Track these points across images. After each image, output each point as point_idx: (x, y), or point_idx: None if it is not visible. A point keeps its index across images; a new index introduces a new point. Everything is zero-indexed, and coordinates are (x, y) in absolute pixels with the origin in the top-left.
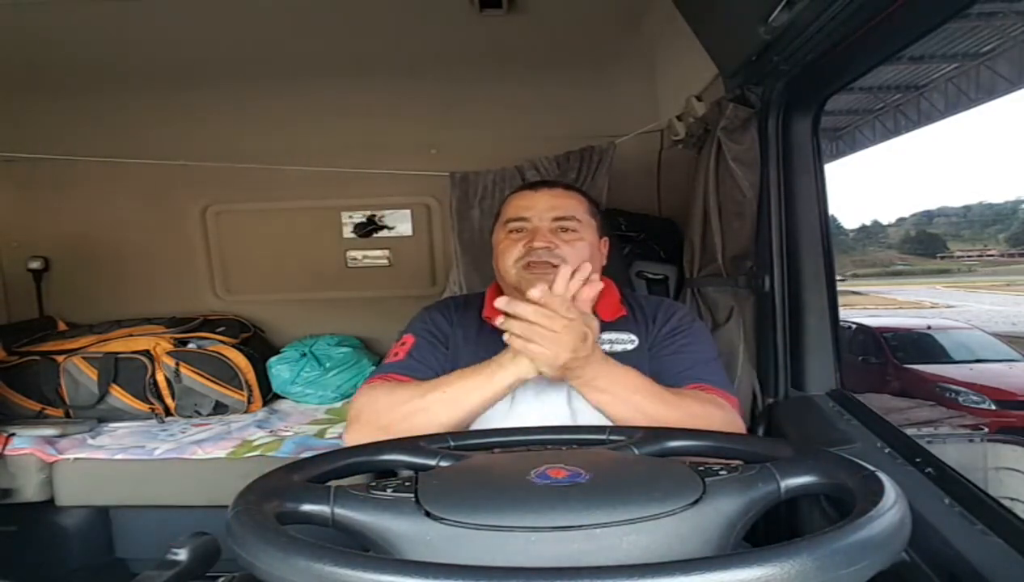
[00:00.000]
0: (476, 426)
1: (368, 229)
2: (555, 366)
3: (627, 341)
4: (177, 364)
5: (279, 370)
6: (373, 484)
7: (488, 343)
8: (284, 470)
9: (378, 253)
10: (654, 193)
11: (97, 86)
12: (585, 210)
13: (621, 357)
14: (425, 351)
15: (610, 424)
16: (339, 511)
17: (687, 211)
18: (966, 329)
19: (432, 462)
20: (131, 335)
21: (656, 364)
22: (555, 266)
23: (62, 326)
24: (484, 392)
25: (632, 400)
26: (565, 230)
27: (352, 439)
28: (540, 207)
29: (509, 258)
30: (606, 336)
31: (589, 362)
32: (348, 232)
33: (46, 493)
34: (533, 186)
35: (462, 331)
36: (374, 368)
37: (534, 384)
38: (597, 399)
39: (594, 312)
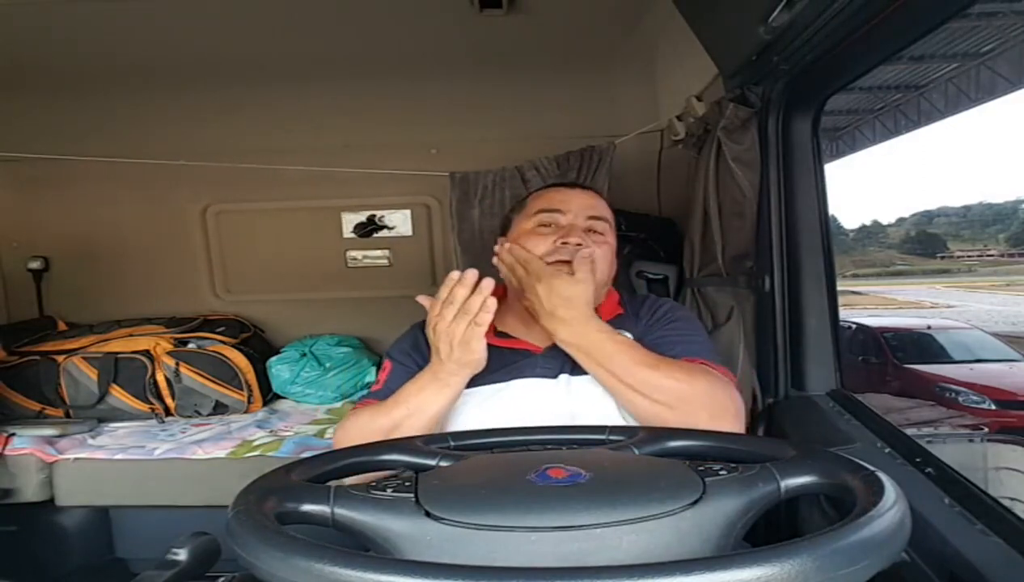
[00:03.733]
0: (476, 426)
1: (368, 229)
2: (545, 315)
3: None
4: (177, 364)
5: (279, 370)
6: (373, 484)
7: (488, 359)
8: (284, 470)
9: (378, 253)
10: (654, 193)
11: (97, 86)
12: (611, 216)
13: None
14: (400, 378)
15: (610, 424)
16: (339, 511)
17: (687, 211)
18: (966, 329)
19: (432, 462)
20: (131, 335)
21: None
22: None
23: (62, 326)
24: (442, 396)
25: (616, 368)
26: (596, 232)
27: None
28: (576, 204)
29: (536, 252)
30: None
31: (587, 329)
32: (348, 232)
33: (46, 493)
34: (565, 184)
35: None
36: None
37: (534, 384)
38: (596, 373)
39: (596, 312)
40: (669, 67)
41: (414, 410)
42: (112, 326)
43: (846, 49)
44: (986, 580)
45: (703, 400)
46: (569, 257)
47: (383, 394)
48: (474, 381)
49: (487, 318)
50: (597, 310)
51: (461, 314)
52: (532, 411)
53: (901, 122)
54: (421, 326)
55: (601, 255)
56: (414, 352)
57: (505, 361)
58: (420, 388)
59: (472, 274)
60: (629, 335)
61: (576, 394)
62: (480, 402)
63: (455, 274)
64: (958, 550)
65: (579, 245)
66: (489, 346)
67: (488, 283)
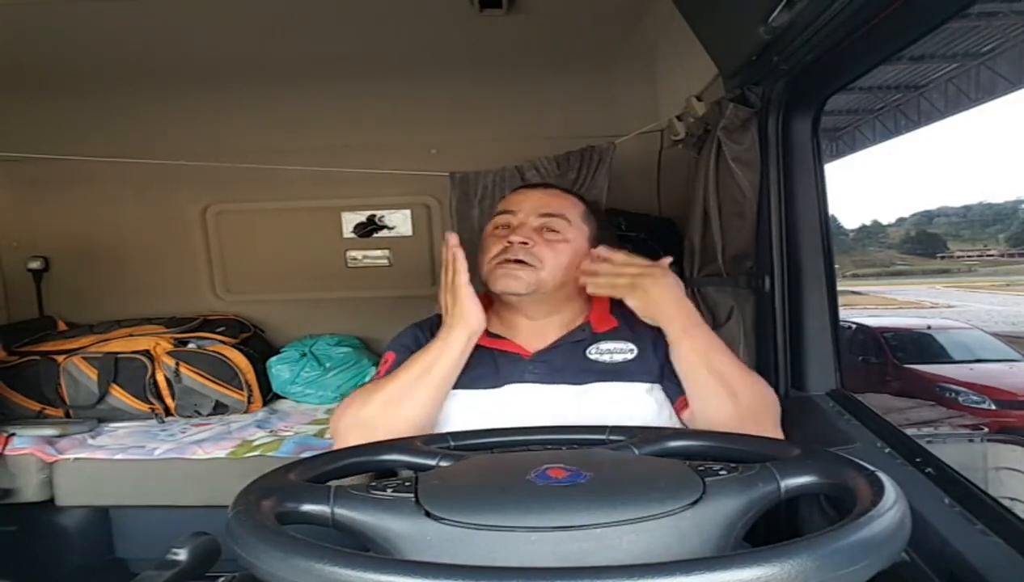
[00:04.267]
0: (477, 426)
1: (368, 229)
2: (680, 305)
3: (626, 351)
4: (177, 364)
5: (279, 370)
6: (373, 484)
7: (478, 360)
8: (284, 470)
9: (378, 253)
10: (654, 193)
11: (98, 86)
12: (579, 214)
13: (623, 366)
14: None
15: (610, 424)
16: (339, 511)
17: (687, 211)
18: (966, 329)
19: (432, 462)
20: (131, 335)
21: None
22: (527, 265)
23: (62, 326)
24: (444, 357)
25: (720, 367)
26: (550, 230)
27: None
28: (529, 204)
29: (486, 257)
30: (604, 347)
31: (695, 315)
32: (348, 232)
33: (46, 493)
34: (529, 185)
35: None
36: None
37: (524, 389)
38: (694, 361)
39: (587, 323)
40: (669, 67)
41: (419, 371)
42: (112, 326)
43: (846, 49)
44: (986, 580)
45: (772, 406)
46: (513, 256)
47: None
48: (464, 384)
49: (461, 266)
50: (588, 320)
51: (447, 270)
52: (523, 417)
53: (901, 122)
54: (419, 325)
55: (551, 253)
56: (415, 347)
57: (496, 364)
58: (424, 351)
59: (452, 236)
60: (633, 347)
61: (575, 403)
62: (470, 406)
63: (446, 234)
64: (958, 550)
65: (524, 243)
66: (480, 347)
67: (450, 237)
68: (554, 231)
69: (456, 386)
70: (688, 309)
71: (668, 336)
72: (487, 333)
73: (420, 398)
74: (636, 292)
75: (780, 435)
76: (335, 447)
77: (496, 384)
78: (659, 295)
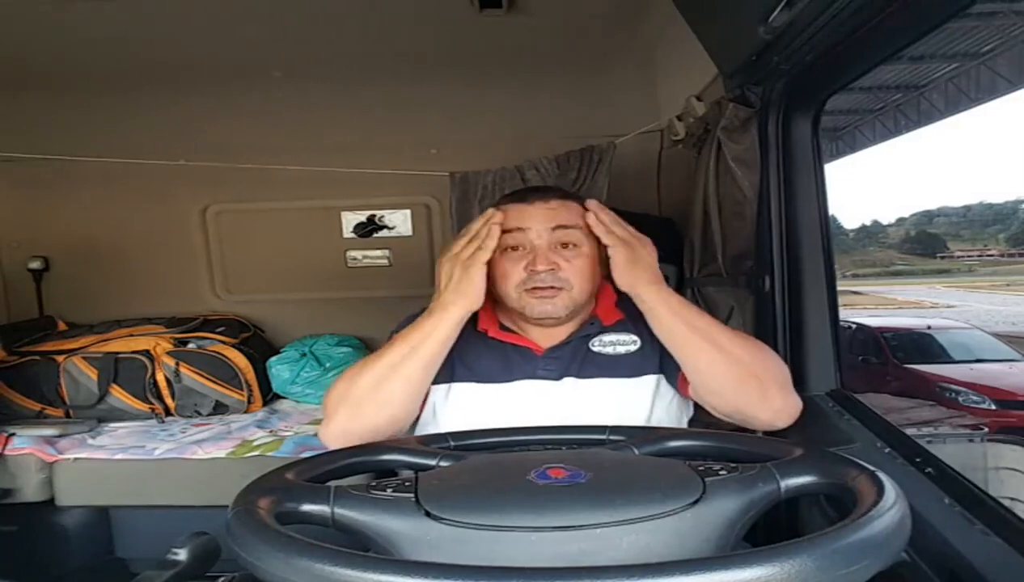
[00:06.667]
0: (476, 425)
1: (368, 229)
2: (656, 271)
3: (630, 342)
4: (177, 364)
5: (279, 370)
6: (373, 484)
7: (488, 353)
8: (284, 470)
9: (378, 253)
10: (654, 193)
11: (97, 86)
12: (583, 217)
13: (627, 358)
14: None
15: (610, 424)
16: (339, 511)
17: (687, 211)
18: (966, 329)
19: (432, 462)
20: (131, 335)
21: None
22: (559, 289)
23: (62, 326)
24: (437, 332)
25: (701, 325)
26: (565, 246)
27: (327, 431)
28: (538, 222)
29: (510, 283)
30: (608, 339)
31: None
32: (348, 232)
33: (46, 493)
34: (525, 198)
35: (458, 344)
36: None
37: (535, 385)
38: (671, 322)
39: (595, 315)
40: (669, 67)
41: (407, 350)
42: (112, 326)
43: (846, 49)
44: (986, 580)
45: (774, 366)
46: (542, 283)
47: None
48: (473, 377)
49: (491, 244)
50: (595, 313)
51: (472, 242)
52: (532, 412)
53: (901, 122)
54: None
55: (576, 270)
56: None
57: (507, 359)
58: (415, 327)
59: (500, 215)
60: (636, 339)
61: (578, 397)
62: (478, 400)
63: (490, 210)
64: (958, 550)
65: (551, 269)
66: (492, 340)
67: (497, 214)
68: (571, 246)
69: (464, 379)
70: (660, 277)
71: (645, 302)
72: (499, 326)
73: (406, 374)
74: (627, 249)
75: (792, 399)
76: (326, 424)
77: (507, 379)
78: (644, 258)
